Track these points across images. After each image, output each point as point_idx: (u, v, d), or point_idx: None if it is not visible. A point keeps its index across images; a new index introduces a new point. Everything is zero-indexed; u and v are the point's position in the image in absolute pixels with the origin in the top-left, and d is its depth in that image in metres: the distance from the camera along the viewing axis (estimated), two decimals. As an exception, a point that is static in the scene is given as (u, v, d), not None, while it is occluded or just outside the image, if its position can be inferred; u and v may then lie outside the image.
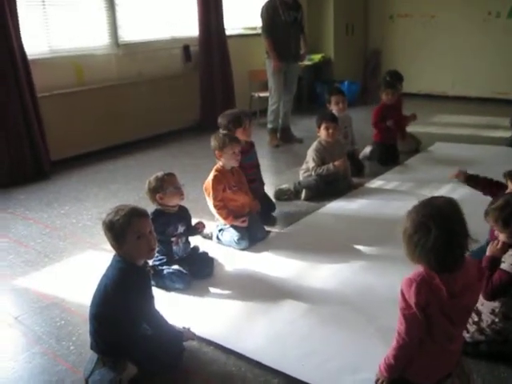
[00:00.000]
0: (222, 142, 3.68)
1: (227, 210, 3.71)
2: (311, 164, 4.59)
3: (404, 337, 1.85)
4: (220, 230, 3.76)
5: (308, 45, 6.71)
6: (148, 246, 2.35)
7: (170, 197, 3.19)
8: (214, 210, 3.73)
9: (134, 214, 2.31)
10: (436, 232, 1.75)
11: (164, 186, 3.16)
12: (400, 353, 1.89)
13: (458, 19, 8.47)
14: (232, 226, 3.69)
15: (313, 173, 4.56)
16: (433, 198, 1.91)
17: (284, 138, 6.60)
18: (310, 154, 4.63)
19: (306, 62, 8.56)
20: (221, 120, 4.12)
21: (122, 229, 2.26)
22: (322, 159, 4.58)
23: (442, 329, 1.87)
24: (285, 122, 6.64)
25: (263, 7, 6.23)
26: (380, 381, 1.99)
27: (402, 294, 1.83)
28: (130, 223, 2.27)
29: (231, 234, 3.69)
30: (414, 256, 1.82)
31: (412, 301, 1.80)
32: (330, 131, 4.54)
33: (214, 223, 3.79)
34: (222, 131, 3.93)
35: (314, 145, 4.65)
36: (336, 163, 4.50)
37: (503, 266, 2.31)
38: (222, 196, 3.71)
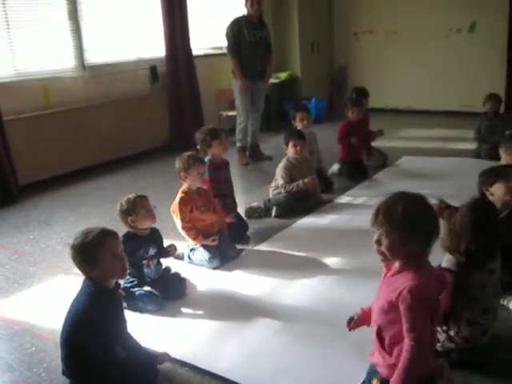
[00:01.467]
0: (187, 164, 3.69)
1: (196, 231, 3.71)
2: (280, 181, 4.63)
3: (422, 340, 1.90)
4: (191, 250, 3.75)
5: (272, 64, 6.79)
6: (121, 265, 2.35)
7: (141, 220, 3.17)
8: (182, 232, 3.72)
9: (106, 234, 2.32)
10: None
11: (136, 208, 3.14)
12: (419, 359, 1.91)
13: (419, 35, 8.67)
14: (203, 246, 3.70)
15: (282, 190, 4.60)
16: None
17: (253, 155, 6.65)
18: (279, 171, 4.67)
19: (273, 80, 8.66)
20: (198, 134, 4.19)
21: (95, 249, 2.25)
22: (290, 176, 4.62)
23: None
24: (253, 140, 6.69)
25: (228, 27, 6.30)
26: None
27: (416, 301, 1.87)
28: (104, 243, 2.28)
29: (202, 254, 3.68)
30: None
31: (430, 302, 1.92)
32: (298, 148, 4.59)
33: (185, 243, 3.79)
34: (187, 153, 3.95)
35: (283, 162, 4.69)
36: (305, 180, 4.55)
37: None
38: (190, 217, 3.72)
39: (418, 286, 1.89)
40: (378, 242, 1.96)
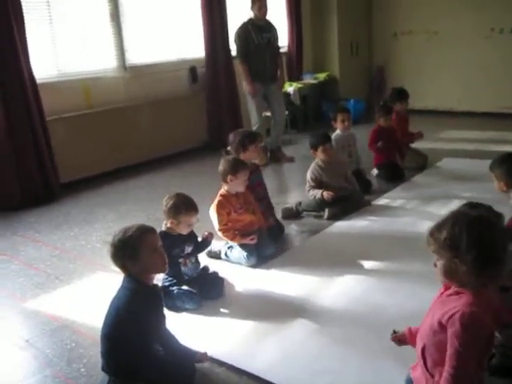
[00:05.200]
0: (235, 166, 3.67)
1: (233, 232, 3.71)
2: (307, 184, 4.63)
3: (463, 372, 1.78)
4: (229, 248, 3.77)
5: (282, 66, 6.81)
6: (162, 260, 2.37)
7: (180, 228, 3.20)
8: (219, 233, 3.73)
9: (145, 230, 2.35)
10: None
11: (180, 218, 3.15)
12: None
13: (460, 35, 8.51)
14: (240, 244, 3.70)
15: (307, 193, 4.60)
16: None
17: (274, 158, 6.65)
18: (308, 174, 4.66)
19: (312, 81, 8.67)
20: (233, 137, 4.13)
21: (136, 245, 2.28)
22: (317, 180, 4.59)
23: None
24: (275, 143, 6.70)
25: (236, 33, 6.33)
26: None
27: (464, 330, 1.76)
28: (144, 238, 2.30)
29: (240, 251, 3.69)
30: None
31: (482, 333, 1.77)
32: (328, 152, 4.56)
33: (223, 241, 3.79)
34: (229, 155, 3.94)
35: (311, 166, 4.67)
36: (325, 194, 4.46)
37: None
38: (228, 219, 3.72)
39: (471, 313, 1.76)
40: (435, 265, 1.88)
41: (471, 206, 2.39)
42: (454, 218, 1.84)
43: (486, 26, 8.28)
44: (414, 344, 2.10)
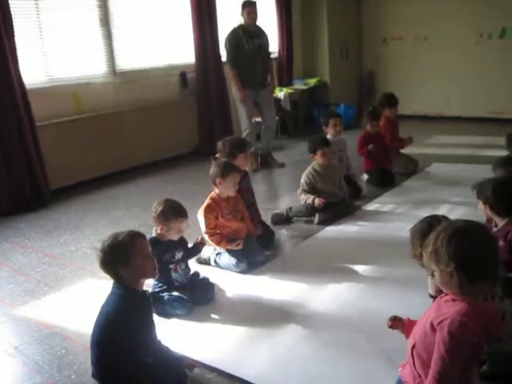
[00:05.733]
0: (224, 170, 3.68)
1: (219, 236, 3.70)
2: (300, 188, 4.63)
3: (446, 377, 1.81)
4: (218, 254, 3.76)
5: (272, 72, 6.84)
6: (153, 265, 2.37)
7: (170, 235, 3.20)
8: (205, 237, 3.71)
9: (136, 235, 2.35)
10: None
11: (170, 225, 3.15)
12: None
13: (450, 41, 8.57)
14: (228, 250, 3.70)
15: (299, 197, 4.61)
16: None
17: (265, 163, 6.65)
18: (302, 178, 4.66)
19: (302, 86, 8.69)
20: (223, 145, 4.13)
21: (127, 249, 2.28)
22: (311, 185, 4.60)
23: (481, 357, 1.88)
24: (266, 148, 6.69)
25: (226, 39, 6.35)
26: None
27: (452, 337, 1.78)
28: (135, 242, 2.30)
29: (229, 258, 3.69)
30: None
31: (468, 343, 1.78)
32: (327, 156, 4.57)
33: (211, 247, 3.78)
34: (221, 159, 3.95)
35: (308, 169, 4.68)
36: (316, 200, 4.46)
37: None
38: (216, 223, 3.72)
39: (460, 322, 1.78)
40: (432, 275, 1.91)
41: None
42: (437, 231, 1.87)
43: (475, 32, 8.35)
44: (405, 335, 2.14)
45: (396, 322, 2.21)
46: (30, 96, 5.31)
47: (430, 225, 2.27)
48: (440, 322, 1.83)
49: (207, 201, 3.74)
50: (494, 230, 2.88)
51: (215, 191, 3.77)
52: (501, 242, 2.70)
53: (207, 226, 3.69)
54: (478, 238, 1.82)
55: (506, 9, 8.00)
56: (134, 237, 2.32)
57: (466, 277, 1.79)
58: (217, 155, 4.18)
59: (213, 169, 3.74)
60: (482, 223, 2.04)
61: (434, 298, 2.20)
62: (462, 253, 1.78)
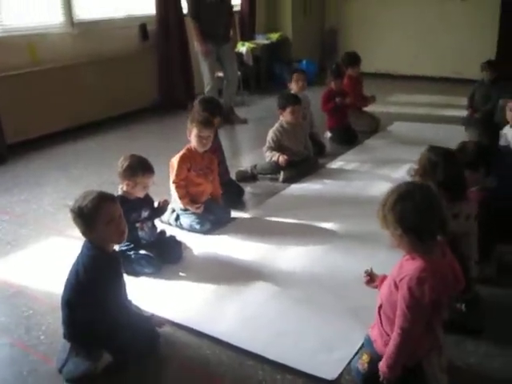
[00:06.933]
0: (192, 120, 3.62)
1: (185, 191, 3.67)
2: (266, 145, 4.62)
3: (409, 332, 1.90)
4: (177, 219, 3.72)
5: (235, 26, 6.71)
6: (118, 231, 2.33)
7: (136, 191, 3.16)
8: (172, 187, 3.67)
9: (103, 199, 2.29)
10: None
11: (137, 180, 3.11)
12: (404, 349, 1.93)
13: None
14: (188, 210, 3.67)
15: (264, 154, 4.61)
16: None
17: (227, 119, 6.50)
18: (269, 135, 4.64)
19: (264, 41, 8.57)
20: (198, 106, 4.02)
21: (92, 214, 2.22)
22: (278, 142, 4.58)
23: (443, 311, 1.95)
24: (227, 103, 6.57)
25: None
26: (385, 381, 2.00)
27: (411, 293, 1.87)
28: (100, 208, 2.24)
29: (191, 219, 3.66)
30: None
31: (426, 297, 1.86)
32: (296, 114, 4.55)
33: (170, 209, 3.68)
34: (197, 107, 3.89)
35: (275, 126, 4.65)
36: (280, 158, 4.46)
37: None
38: (186, 176, 3.67)
39: (418, 278, 1.87)
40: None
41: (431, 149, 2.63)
42: (386, 195, 1.97)
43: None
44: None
45: (373, 278, 2.26)
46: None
47: None
48: (401, 280, 1.92)
49: (183, 150, 3.69)
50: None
51: (192, 143, 3.69)
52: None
53: (177, 175, 3.64)
54: (420, 200, 1.89)
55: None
56: (102, 201, 2.25)
57: (415, 237, 1.90)
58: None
59: (191, 116, 3.69)
60: (425, 183, 2.10)
61: None
62: (406, 216, 1.88)
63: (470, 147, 2.94)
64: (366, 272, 2.28)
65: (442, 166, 2.48)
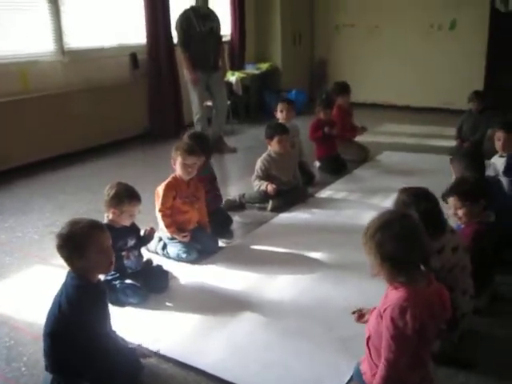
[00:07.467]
0: (177, 149, 3.61)
1: (172, 220, 3.64)
2: (254, 174, 4.61)
3: (394, 364, 1.87)
4: (164, 247, 3.68)
5: (224, 55, 6.75)
6: (108, 260, 2.29)
7: (122, 219, 3.13)
8: (158, 216, 3.64)
9: (95, 227, 2.25)
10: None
11: (124, 208, 3.08)
12: (390, 381, 1.89)
13: (401, 30, 8.68)
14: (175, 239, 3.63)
15: (253, 183, 4.59)
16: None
17: (216, 148, 6.50)
18: (257, 164, 4.63)
19: (254, 71, 8.64)
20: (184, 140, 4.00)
21: (83, 242, 2.18)
22: (266, 172, 4.57)
23: (431, 342, 1.92)
24: (216, 132, 6.61)
25: (177, 21, 6.24)
26: None
27: (394, 323, 1.85)
28: (92, 235, 2.20)
29: (177, 248, 3.62)
30: None
31: (409, 327, 1.83)
32: (283, 143, 4.55)
33: (156, 238, 3.64)
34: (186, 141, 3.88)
35: (263, 156, 4.65)
36: (269, 187, 4.45)
37: None
38: (172, 204, 3.64)
39: (400, 308, 1.85)
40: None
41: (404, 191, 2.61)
42: (369, 222, 1.97)
43: (426, 23, 8.49)
44: None
45: (363, 314, 2.23)
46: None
47: None
48: (384, 310, 1.90)
49: (169, 179, 3.66)
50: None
51: (178, 172, 3.67)
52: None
53: (163, 203, 3.60)
54: (399, 229, 1.89)
55: (456, 1, 8.14)
56: (93, 228, 2.22)
57: (392, 267, 1.89)
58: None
59: (176, 145, 3.68)
60: (408, 211, 2.10)
61: None
62: (384, 246, 1.87)
63: (469, 179, 2.95)
64: (352, 313, 2.27)
65: (415, 206, 2.47)
